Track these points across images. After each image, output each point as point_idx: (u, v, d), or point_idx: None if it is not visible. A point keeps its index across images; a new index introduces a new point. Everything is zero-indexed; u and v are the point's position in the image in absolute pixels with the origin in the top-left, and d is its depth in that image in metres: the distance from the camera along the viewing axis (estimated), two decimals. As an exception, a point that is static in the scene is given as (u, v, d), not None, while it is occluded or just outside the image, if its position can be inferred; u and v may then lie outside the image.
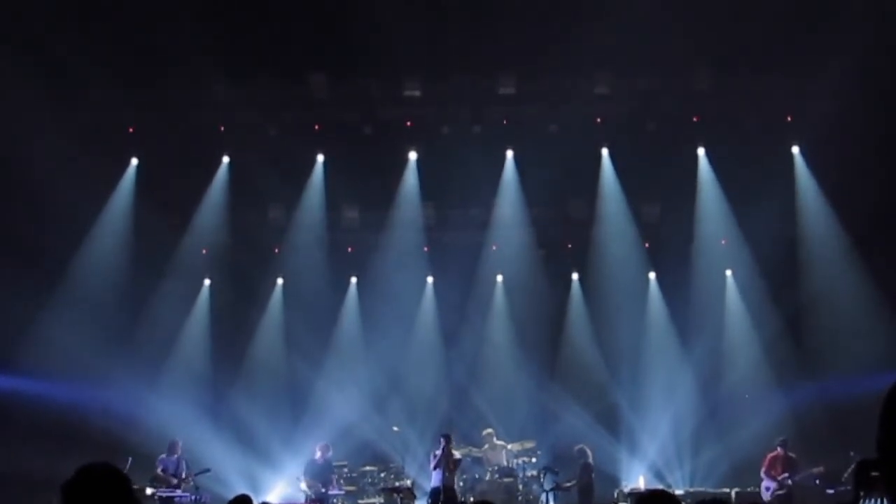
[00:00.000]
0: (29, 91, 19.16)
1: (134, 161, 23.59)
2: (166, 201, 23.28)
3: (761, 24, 18.69)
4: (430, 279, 24.95)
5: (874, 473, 6.22)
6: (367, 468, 22.02)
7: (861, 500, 6.55)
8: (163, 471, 19.92)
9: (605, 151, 24.08)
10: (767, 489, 19.81)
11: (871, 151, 19.80)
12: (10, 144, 18.78)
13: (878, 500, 6.35)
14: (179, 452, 20.21)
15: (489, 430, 21.93)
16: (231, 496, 12.80)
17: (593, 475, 20.32)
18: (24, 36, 18.03)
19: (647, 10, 17.06)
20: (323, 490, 20.47)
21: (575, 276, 25.02)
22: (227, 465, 21.40)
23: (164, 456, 20.13)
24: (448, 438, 19.84)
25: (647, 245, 24.33)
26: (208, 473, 20.02)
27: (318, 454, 20.93)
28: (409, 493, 20.32)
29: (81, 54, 19.14)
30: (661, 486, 21.00)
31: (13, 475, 16.72)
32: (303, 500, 20.48)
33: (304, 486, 20.67)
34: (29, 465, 15.93)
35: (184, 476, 19.96)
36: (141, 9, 18.21)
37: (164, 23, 18.24)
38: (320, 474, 20.71)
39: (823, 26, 17.75)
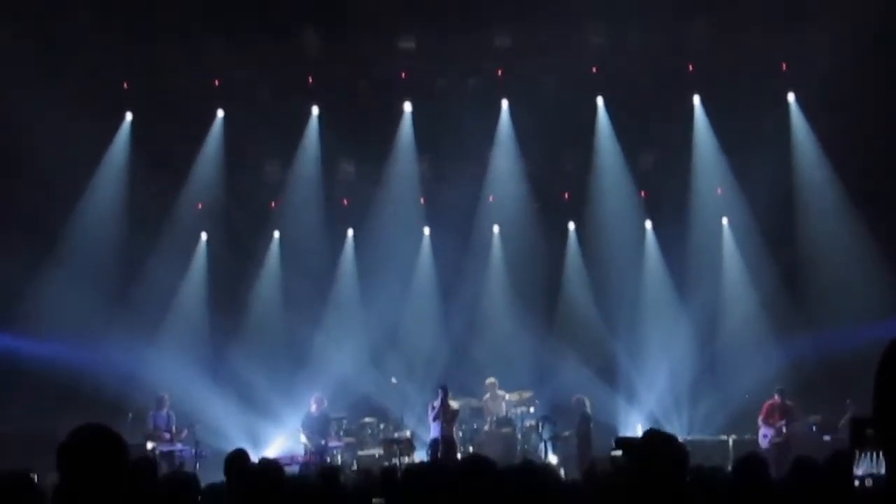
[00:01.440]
0: (20, 49, 19.02)
1: (128, 117, 23.47)
2: (161, 157, 23.20)
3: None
4: (426, 232, 24.92)
5: (869, 431, 6.25)
6: (367, 420, 22.11)
7: (856, 457, 6.58)
8: (155, 426, 20.00)
9: (600, 101, 24.02)
10: (765, 437, 19.91)
11: (867, 99, 19.73)
12: (3, 103, 18.64)
13: (873, 456, 6.39)
14: (167, 406, 20.29)
15: (492, 380, 21.98)
16: (231, 449, 12.84)
17: (591, 425, 20.37)
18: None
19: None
20: (322, 442, 20.58)
21: (571, 226, 24.97)
22: (226, 420, 21.46)
23: (153, 411, 20.22)
24: (445, 390, 19.89)
25: (643, 195, 24.27)
26: (198, 426, 20.11)
27: (314, 407, 21.01)
28: (408, 444, 20.41)
29: (73, 10, 19.01)
30: (658, 435, 21.07)
31: (12, 434, 16.80)
32: (302, 452, 20.56)
33: (303, 438, 20.79)
34: (28, 425, 16.02)
35: (174, 429, 20.06)
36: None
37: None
38: (317, 426, 20.82)
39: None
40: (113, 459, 4.52)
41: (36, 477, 7.71)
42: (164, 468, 17.57)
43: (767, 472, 7.43)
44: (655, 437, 5.59)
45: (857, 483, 6.45)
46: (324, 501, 7.44)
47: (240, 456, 10.05)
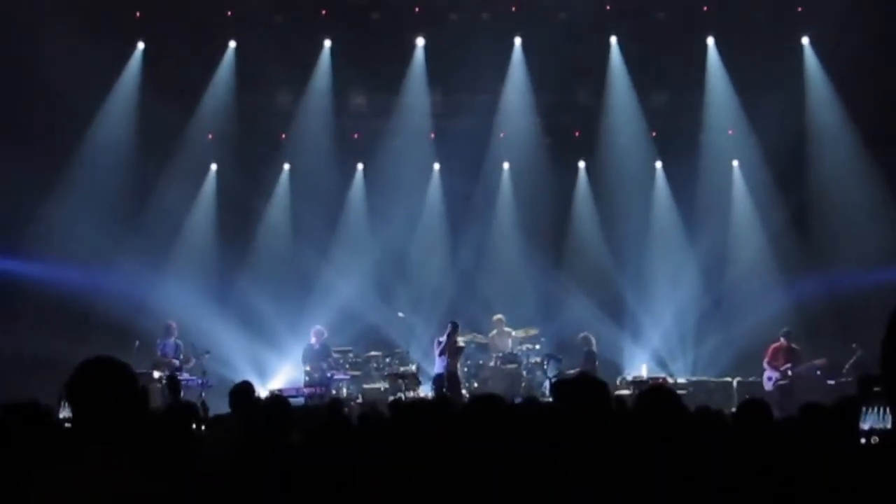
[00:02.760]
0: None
1: (140, 45, 23.35)
2: (172, 86, 23.01)
3: None
4: (436, 166, 24.86)
5: (876, 388, 6.29)
6: (372, 353, 22.16)
7: (862, 413, 6.63)
8: (163, 354, 20.10)
9: (613, 40, 23.85)
10: (769, 379, 19.96)
11: (881, 43, 19.58)
12: (14, 29, 18.55)
13: (881, 409, 6.42)
14: (175, 334, 20.38)
15: (499, 316, 22.01)
16: (237, 379, 12.90)
17: (597, 363, 20.42)
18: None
19: None
20: (328, 375, 20.69)
21: (582, 164, 24.89)
22: (233, 350, 21.59)
23: (160, 339, 20.31)
24: (456, 326, 19.99)
25: (654, 134, 24.18)
26: (208, 356, 20.23)
27: (313, 339, 21.14)
28: (414, 378, 20.48)
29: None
30: (663, 375, 21.19)
31: (22, 358, 16.88)
32: (303, 383, 20.68)
33: (307, 369, 20.91)
34: (37, 349, 16.07)
35: (182, 358, 20.15)
36: None
37: None
38: (317, 359, 20.96)
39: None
40: (122, 392, 4.52)
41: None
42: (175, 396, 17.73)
43: (770, 417, 7.45)
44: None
45: (863, 439, 6.50)
46: (329, 433, 7.47)
47: (245, 388, 10.12)
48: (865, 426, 6.51)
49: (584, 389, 5.72)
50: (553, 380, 20.02)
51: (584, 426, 5.45)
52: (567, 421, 5.62)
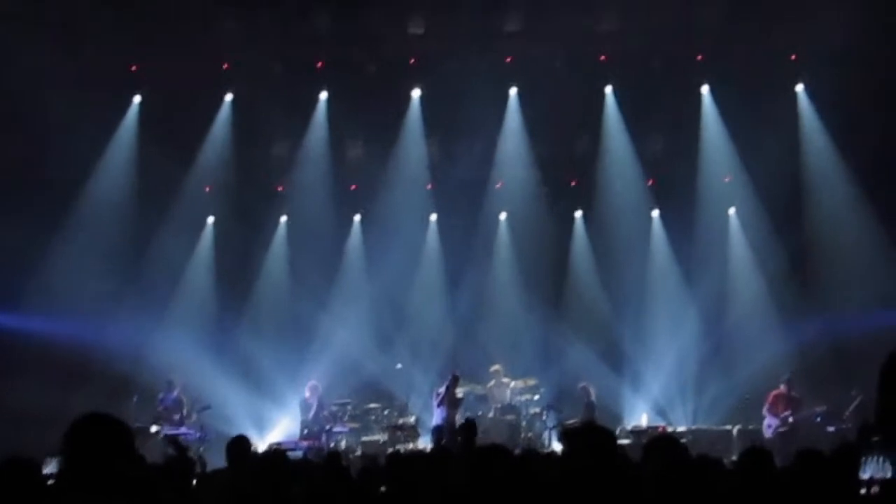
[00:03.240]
0: (32, 31, 18.98)
1: (137, 99, 23.47)
2: (170, 139, 23.16)
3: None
4: (433, 216, 24.94)
5: (875, 438, 6.30)
6: (371, 405, 22.17)
7: (862, 462, 6.64)
8: (164, 408, 20.07)
9: (608, 89, 23.99)
10: (770, 426, 19.94)
11: (875, 90, 19.70)
12: (15, 82, 18.65)
13: (880, 459, 6.43)
14: (178, 389, 20.39)
15: (497, 367, 22.08)
16: (235, 433, 12.86)
17: (596, 413, 20.39)
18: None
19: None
20: (326, 427, 20.65)
21: (578, 213, 25.00)
22: (232, 403, 21.57)
23: (163, 394, 20.33)
24: (456, 378, 20.05)
25: (650, 182, 24.28)
26: (208, 410, 20.21)
27: (308, 394, 21.23)
28: (413, 430, 20.48)
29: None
30: (662, 424, 21.16)
31: (20, 412, 16.79)
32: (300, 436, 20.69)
33: (301, 424, 20.93)
34: (35, 403, 16.03)
35: (185, 412, 20.12)
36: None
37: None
38: (313, 413, 20.97)
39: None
40: (117, 447, 4.52)
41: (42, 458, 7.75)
42: (170, 451, 17.68)
43: (772, 465, 7.44)
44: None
45: (863, 489, 6.50)
46: (328, 487, 7.45)
47: (241, 441, 10.10)
48: (865, 475, 6.52)
49: (593, 439, 5.72)
50: (552, 430, 20.04)
51: (593, 476, 5.46)
52: (576, 471, 5.63)
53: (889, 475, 5.56)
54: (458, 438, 19.30)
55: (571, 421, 20.25)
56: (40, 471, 4.91)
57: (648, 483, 5.45)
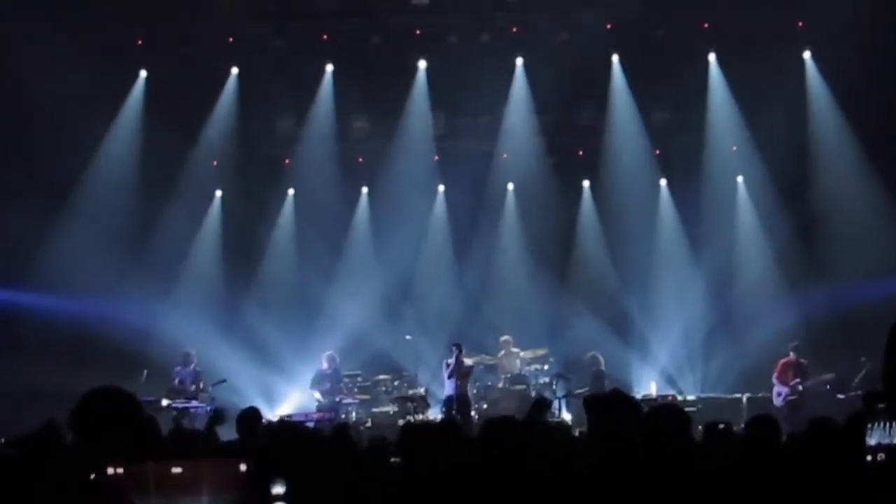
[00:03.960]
0: (36, 6, 18.90)
1: (142, 74, 23.44)
2: (175, 114, 23.22)
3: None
4: (440, 188, 24.91)
5: (881, 405, 6.32)
6: (381, 377, 22.20)
7: (868, 429, 6.66)
8: (179, 382, 20.12)
9: (615, 58, 23.87)
10: (779, 395, 19.95)
11: (883, 56, 19.62)
12: (19, 58, 18.61)
13: (886, 426, 6.46)
14: (194, 363, 20.43)
15: (506, 337, 22.06)
16: (245, 406, 12.87)
17: (606, 382, 20.40)
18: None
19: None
20: (337, 399, 20.70)
21: (586, 183, 24.95)
22: (241, 376, 21.57)
23: (179, 368, 20.35)
24: (460, 347, 20.00)
25: (657, 152, 24.21)
26: (224, 384, 20.25)
27: (325, 364, 21.20)
28: (423, 401, 20.49)
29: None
30: (672, 392, 21.16)
31: (29, 390, 16.86)
32: (314, 409, 20.67)
33: (317, 395, 20.93)
34: (44, 381, 16.09)
35: (201, 386, 20.18)
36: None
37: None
38: (329, 384, 20.98)
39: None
40: (125, 420, 4.53)
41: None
42: (185, 424, 17.74)
43: (779, 433, 7.44)
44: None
45: (869, 456, 6.52)
46: (338, 459, 7.46)
47: (252, 414, 10.13)
48: (872, 442, 6.53)
49: (617, 407, 5.72)
50: (562, 399, 20.04)
51: (613, 444, 5.46)
52: (597, 439, 5.65)
53: (895, 441, 5.57)
54: (471, 413, 19.42)
55: (581, 390, 20.26)
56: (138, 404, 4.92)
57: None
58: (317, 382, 21.21)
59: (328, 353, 21.48)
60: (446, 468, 5.99)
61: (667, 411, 6.09)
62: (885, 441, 6.41)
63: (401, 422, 17.64)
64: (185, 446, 8.58)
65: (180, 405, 19.74)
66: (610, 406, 5.83)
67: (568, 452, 6.81)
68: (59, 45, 19.60)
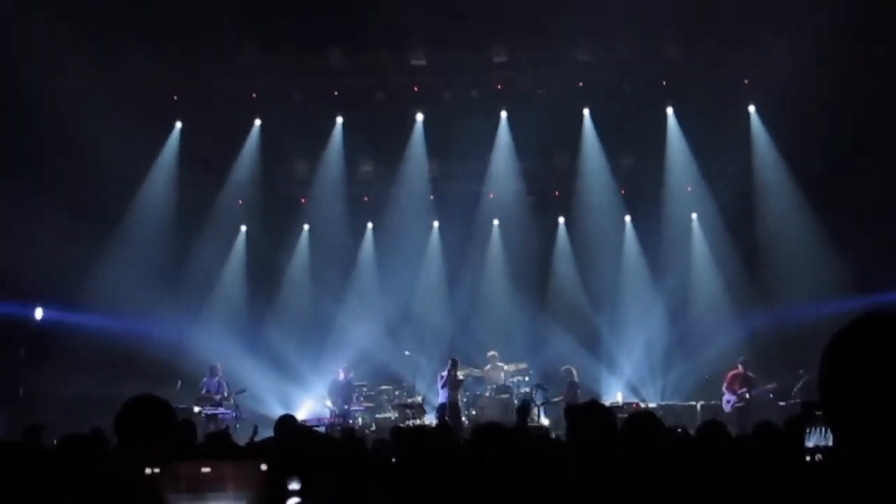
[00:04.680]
0: (85, 65, 18.94)
1: (178, 124, 23.54)
2: (206, 159, 23.36)
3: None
4: (435, 224, 24.97)
5: (818, 412, 6.34)
6: (383, 387, 22.20)
7: (806, 433, 6.69)
8: (206, 391, 20.07)
9: (586, 111, 24.01)
10: (728, 402, 19.92)
11: (818, 110, 19.70)
12: (71, 111, 18.63)
13: (822, 429, 6.49)
14: (219, 375, 20.38)
15: (493, 353, 22.09)
16: (266, 413, 12.85)
17: (578, 392, 20.37)
18: (78, 18, 17.74)
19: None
20: (346, 406, 20.72)
21: (561, 219, 25.01)
22: (262, 386, 21.57)
23: (206, 379, 20.29)
24: (455, 362, 20.05)
25: (623, 192, 24.29)
26: (244, 393, 20.24)
27: (341, 375, 21.25)
28: (420, 408, 20.47)
29: (128, 31, 19.00)
30: (636, 400, 21.15)
31: (79, 398, 16.80)
32: (328, 415, 20.63)
33: (328, 403, 20.94)
34: (92, 390, 16.04)
35: (225, 395, 20.13)
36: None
37: (201, 6, 18.02)
38: (343, 392, 21.03)
39: (776, 2, 17.62)
40: (162, 422, 4.53)
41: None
42: (211, 428, 17.71)
43: (726, 435, 7.46)
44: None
45: (808, 457, 6.53)
46: (347, 458, 7.44)
47: (289, 419, 10.13)
48: (810, 444, 6.56)
49: (594, 415, 5.73)
50: (540, 407, 20.01)
51: (590, 447, 5.46)
52: (577, 442, 5.65)
53: (830, 444, 5.57)
54: (460, 418, 19.38)
55: (557, 398, 20.24)
56: (172, 410, 4.92)
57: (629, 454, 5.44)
58: (333, 391, 21.23)
59: (344, 365, 21.53)
60: (440, 467, 5.97)
61: (643, 417, 6.10)
62: (822, 443, 6.42)
63: (400, 426, 17.61)
64: (216, 448, 8.56)
65: (209, 411, 19.69)
66: (587, 413, 5.83)
67: (547, 454, 6.79)
68: (105, 97, 19.60)
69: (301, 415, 21.13)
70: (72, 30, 18.10)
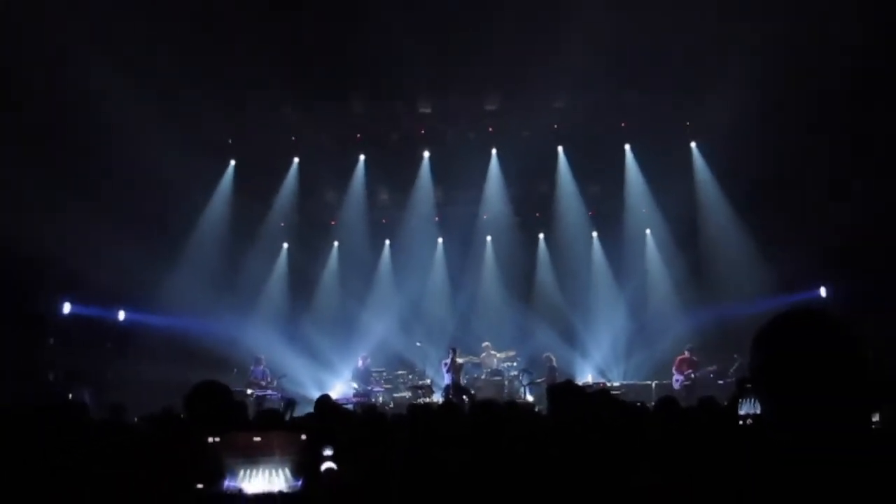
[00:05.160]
0: (155, 113, 18.92)
1: (232, 162, 23.63)
2: (255, 190, 23.50)
3: (672, 55, 18.53)
4: (440, 240, 24.98)
5: (748, 385, 6.35)
6: (399, 372, 22.17)
7: (740, 403, 6.70)
8: (254, 378, 20.08)
9: (560, 149, 24.05)
10: (677, 381, 19.90)
11: (747, 146, 19.73)
12: (149, 150, 18.62)
13: (752, 400, 6.51)
14: (263, 364, 20.41)
15: (487, 343, 22.07)
16: (304, 395, 12.79)
17: (556, 374, 20.36)
18: (151, 74, 17.77)
19: (588, 45, 16.89)
20: (367, 387, 20.78)
21: (541, 236, 25.02)
22: (300, 372, 21.56)
23: (253, 367, 20.31)
24: (455, 350, 20.05)
25: (591, 213, 24.31)
26: (285, 378, 20.31)
27: (360, 363, 21.30)
28: (428, 388, 20.46)
29: (195, 88, 19.04)
30: (603, 381, 21.15)
31: (154, 383, 16.77)
32: (352, 394, 20.65)
33: (353, 385, 20.98)
34: (165, 376, 16.02)
35: (269, 380, 20.14)
36: (234, 52, 17.94)
37: (250, 67, 18.05)
38: (362, 376, 21.13)
39: (711, 59, 17.65)
40: (221, 402, 4.55)
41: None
42: (262, 406, 17.70)
43: (678, 407, 7.47)
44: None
45: (741, 421, 6.56)
46: (370, 430, 7.44)
47: (326, 398, 10.11)
48: (742, 412, 6.59)
49: (573, 394, 5.75)
50: (526, 386, 20.00)
51: (566, 418, 5.48)
52: (557, 416, 5.67)
53: (758, 411, 5.60)
54: (462, 396, 19.33)
55: (540, 380, 20.21)
56: (231, 392, 4.94)
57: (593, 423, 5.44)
58: (355, 376, 21.30)
59: (363, 354, 21.58)
60: (446, 437, 5.98)
61: (603, 395, 6.13)
62: (752, 411, 6.45)
63: (412, 403, 17.62)
64: (264, 423, 8.56)
65: (259, 393, 19.70)
66: (564, 392, 5.84)
67: (531, 424, 6.80)
68: (179, 142, 19.60)
69: (332, 395, 21.12)
70: (147, 85, 18.13)
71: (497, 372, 21.56)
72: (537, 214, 24.86)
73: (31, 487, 3.87)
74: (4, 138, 16.37)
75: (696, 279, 22.55)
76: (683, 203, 22.68)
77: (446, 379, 19.99)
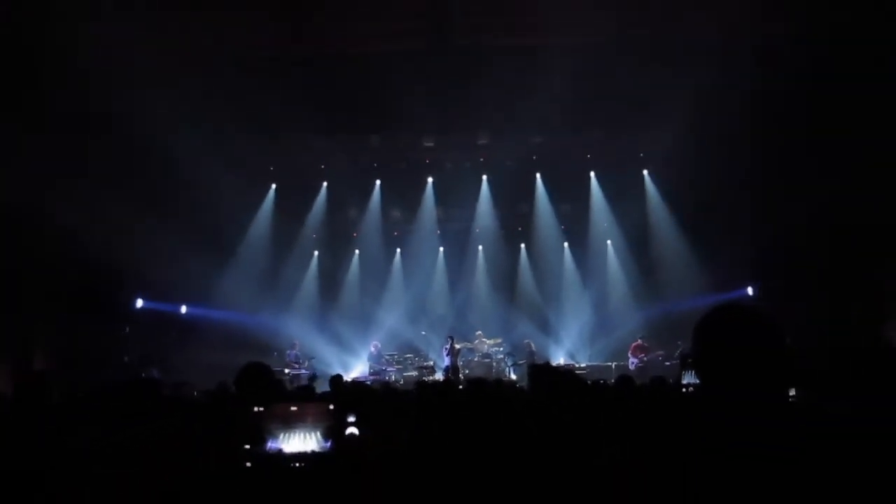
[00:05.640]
0: (212, 147, 18.84)
1: (273, 185, 23.64)
2: (292, 208, 23.50)
3: (627, 101, 18.52)
4: (441, 249, 24.94)
5: (689, 361, 6.38)
6: (407, 355, 22.09)
7: (682, 374, 6.73)
8: (289, 360, 20.11)
9: (538, 175, 24.06)
10: (632, 363, 19.92)
11: (689, 172, 19.76)
12: (206, 173, 18.55)
13: (691, 372, 6.54)
14: (297, 348, 20.45)
15: (479, 332, 22.11)
16: (331, 373, 12.76)
17: (535, 357, 20.38)
18: (198, 107, 17.71)
19: (560, 93, 16.91)
20: (381, 368, 20.75)
21: (522, 246, 24.96)
22: (327, 355, 21.62)
23: (288, 351, 20.36)
24: (452, 338, 20.13)
25: (563, 228, 24.32)
26: (314, 360, 20.40)
27: (373, 349, 21.28)
28: (431, 369, 20.51)
29: (244, 127, 19.09)
30: (573, 363, 21.16)
31: (209, 364, 16.74)
32: (369, 374, 20.70)
33: (371, 366, 21.00)
34: (218, 359, 16.01)
35: (301, 361, 20.17)
36: (275, 97, 17.89)
37: (288, 109, 18.00)
38: (374, 359, 21.18)
39: (657, 104, 17.64)
40: (265, 379, 4.56)
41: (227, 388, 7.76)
42: (296, 384, 17.68)
43: (633, 384, 7.49)
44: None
45: (684, 389, 6.57)
46: (385, 402, 7.45)
47: (339, 377, 10.11)
48: (685, 382, 6.61)
49: (549, 373, 5.77)
50: (510, 367, 20.03)
51: (543, 393, 5.49)
52: (536, 391, 5.68)
53: (696, 381, 5.63)
54: (458, 375, 19.32)
55: (521, 362, 20.26)
56: (272, 372, 4.94)
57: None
58: (369, 359, 21.32)
59: (374, 342, 21.60)
60: (447, 407, 5.99)
61: (571, 374, 6.12)
62: (692, 381, 6.48)
63: (418, 381, 17.59)
64: (299, 396, 8.56)
65: (294, 372, 19.69)
66: (541, 371, 5.86)
67: (514, 398, 6.80)
68: (229, 168, 19.59)
69: (354, 374, 21.17)
70: (206, 125, 18.11)
71: (487, 355, 21.57)
72: (519, 228, 24.84)
73: (118, 446, 3.89)
74: (98, 169, 16.57)
75: (647, 280, 22.58)
76: (637, 219, 22.72)
77: (446, 361, 20.01)
